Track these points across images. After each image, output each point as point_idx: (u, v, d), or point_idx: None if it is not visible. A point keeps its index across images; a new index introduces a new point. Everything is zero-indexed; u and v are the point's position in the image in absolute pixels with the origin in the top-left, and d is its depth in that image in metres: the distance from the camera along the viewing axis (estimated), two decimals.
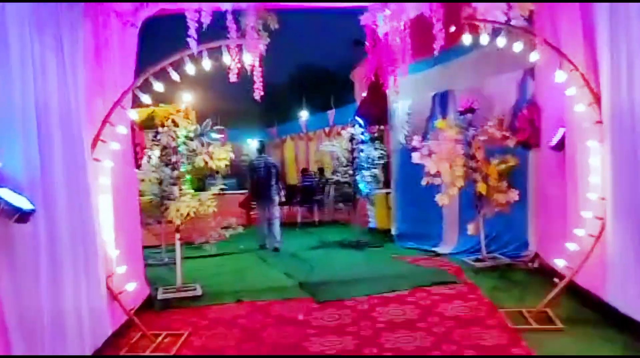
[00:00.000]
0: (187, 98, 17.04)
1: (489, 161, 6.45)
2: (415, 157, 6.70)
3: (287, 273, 7.12)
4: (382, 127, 13.49)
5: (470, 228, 6.69)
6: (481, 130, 6.48)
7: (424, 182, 6.84)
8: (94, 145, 4.45)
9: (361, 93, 11.29)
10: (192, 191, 6.63)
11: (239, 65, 4.98)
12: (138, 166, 5.54)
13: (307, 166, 24.97)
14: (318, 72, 34.81)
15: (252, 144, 30.64)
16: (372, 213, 11.21)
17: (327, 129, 24.03)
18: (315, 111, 28.87)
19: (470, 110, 6.62)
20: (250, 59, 4.98)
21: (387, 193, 10.73)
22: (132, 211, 5.45)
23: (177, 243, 6.30)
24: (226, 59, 4.89)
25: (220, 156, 6.28)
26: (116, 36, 4.89)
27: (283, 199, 11.25)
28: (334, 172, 9.84)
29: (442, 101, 8.18)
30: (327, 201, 11.93)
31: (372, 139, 10.24)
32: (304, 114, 29.27)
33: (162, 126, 6.40)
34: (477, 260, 6.89)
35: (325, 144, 9.84)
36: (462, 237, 7.86)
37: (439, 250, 8.13)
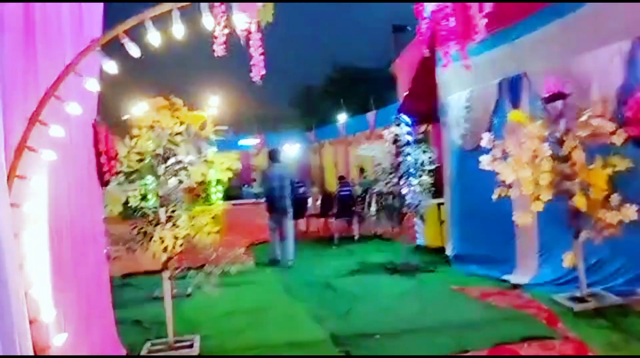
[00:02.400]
0: (214, 102, 15.78)
1: (588, 164, 4.68)
2: (485, 161, 4.98)
3: (317, 316, 5.50)
4: (428, 126, 11.77)
5: (567, 259, 4.92)
6: (580, 122, 4.69)
7: (495, 195, 5.13)
8: (17, 154, 2.97)
9: (405, 88, 9.59)
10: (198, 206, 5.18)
11: (226, 31, 3.42)
12: (106, 183, 4.04)
13: (347, 172, 23.37)
14: (356, 72, 33.17)
15: (288, 150, 29.44)
16: (421, 228, 9.49)
17: (367, 132, 22.47)
18: (355, 113, 27.32)
19: (560, 96, 4.86)
20: (243, 23, 3.41)
21: (439, 204, 9.01)
22: (92, 247, 3.92)
23: (167, 286, 4.78)
24: (207, 22, 3.34)
25: (223, 166, 4.73)
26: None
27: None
28: (375, 181, 8.18)
29: (512, 88, 6.41)
30: (368, 215, 10.29)
31: (418, 141, 8.54)
32: (342, 117, 27.79)
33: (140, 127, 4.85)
34: (574, 298, 5.10)
35: (364, 147, 8.20)
36: (545, 263, 6.08)
37: (512, 278, 6.34)
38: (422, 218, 8.08)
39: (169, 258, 4.60)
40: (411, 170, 8.04)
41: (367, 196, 9.93)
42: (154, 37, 3.27)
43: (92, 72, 3.58)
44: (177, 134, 4.62)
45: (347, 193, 11.79)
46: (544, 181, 4.78)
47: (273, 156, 9.02)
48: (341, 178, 14.47)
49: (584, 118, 4.70)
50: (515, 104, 6.32)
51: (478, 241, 7.21)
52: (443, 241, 8.74)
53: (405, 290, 6.47)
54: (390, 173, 8.01)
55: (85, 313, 3.57)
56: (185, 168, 4.68)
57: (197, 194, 7.33)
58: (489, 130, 6.75)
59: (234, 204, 23.59)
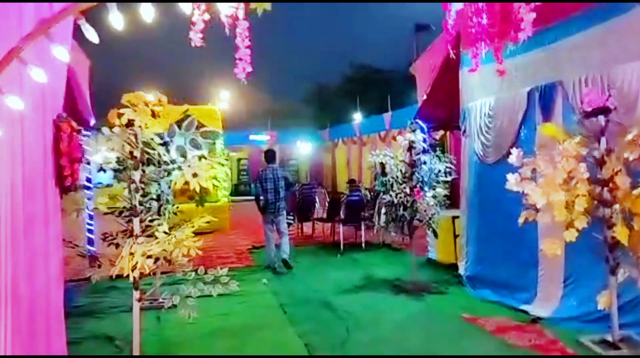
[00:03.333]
0: (225, 96, 15.18)
1: (633, 190, 4.01)
2: (513, 181, 4.32)
3: (310, 345, 4.89)
4: (445, 134, 11.10)
5: (602, 301, 4.27)
6: (624, 142, 4.02)
7: (521, 220, 4.48)
8: None
9: (423, 91, 8.93)
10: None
11: (206, 17, 2.83)
12: (67, 189, 3.47)
13: (360, 174, 22.72)
14: (373, 71, 32.55)
15: (301, 148, 28.86)
16: (433, 240, 8.84)
17: (382, 134, 21.83)
18: (370, 113, 26.72)
19: (602, 110, 4.18)
20: (227, 8, 2.81)
21: (454, 218, 8.35)
22: (43, 263, 3.34)
23: (135, 309, 4.19)
24: (185, 6, 2.75)
25: (209, 173, 4.11)
26: None
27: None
28: (386, 191, 7.53)
29: (544, 98, 5.73)
30: (377, 225, 9.65)
31: (433, 147, 7.90)
32: (357, 117, 27.16)
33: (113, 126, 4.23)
34: (604, 342, 4.44)
35: (376, 153, 7.56)
36: (570, 294, 5.40)
37: (531, 310, 5.67)
38: (434, 232, 7.43)
39: (142, 275, 4.01)
40: (425, 179, 7.42)
41: (377, 205, 9.31)
42: (115, 19, 2.68)
43: (45, 60, 2.99)
44: (157, 135, 4.02)
45: (357, 198, 11.16)
46: (580, 207, 4.12)
47: (268, 157, 8.92)
48: (351, 182, 13.88)
49: (629, 137, 4.03)
50: (547, 116, 5.65)
51: (495, 263, 6.55)
52: (456, 258, 8.08)
53: (412, 316, 5.83)
54: (403, 183, 7.37)
55: (28, 332, 2.99)
56: (168, 173, 4.10)
57: (191, 196, 6.79)
58: (515, 143, 6.12)
59: (242, 201, 23.25)
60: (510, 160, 4.36)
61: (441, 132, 9.90)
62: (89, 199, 8.15)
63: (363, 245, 10.63)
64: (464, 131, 7.45)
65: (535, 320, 5.42)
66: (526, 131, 6.01)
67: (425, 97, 8.49)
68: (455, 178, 7.65)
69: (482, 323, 5.41)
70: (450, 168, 7.52)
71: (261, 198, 8.64)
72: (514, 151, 4.36)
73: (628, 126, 4.12)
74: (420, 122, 7.98)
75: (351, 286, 7.30)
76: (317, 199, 14.11)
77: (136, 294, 4.09)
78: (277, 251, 8.64)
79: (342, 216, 11.04)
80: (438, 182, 7.38)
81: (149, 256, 3.87)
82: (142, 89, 4.24)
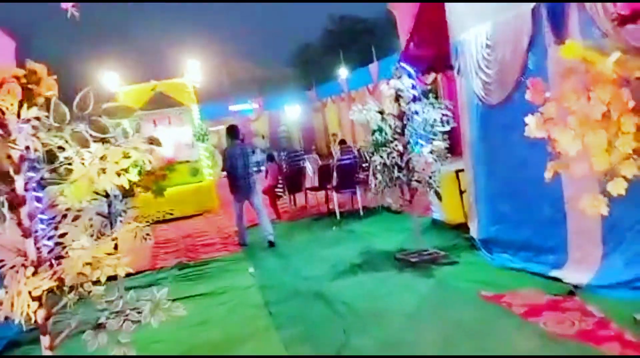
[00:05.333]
0: (194, 66, 13.92)
1: None
2: (534, 125, 3.20)
3: None
4: (437, 76, 9.91)
5: None
6: None
7: (548, 174, 3.40)
8: None
9: (406, 29, 7.71)
10: None
11: None
12: None
13: (354, 132, 21.51)
14: (354, 21, 30.84)
15: (289, 113, 27.58)
16: (436, 199, 7.80)
17: (370, 87, 20.59)
18: (356, 66, 25.35)
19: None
20: None
21: (457, 171, 7.30)
22: None
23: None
24: None
25: (115, 169, 2.98)
26: None
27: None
28: (376, 151, 6.44)
29: (553, 13, 4.56)
30: (372, 191, 8.62)
31: (425, 94, 6.77)
32: (343, 72, 25.79)
33: None
34: None
35: (356, 109, 6.41)
36: (613, 254, 4.35)
37: (565, 276, 4.65)
38: (437, 194, 6.37)
39: (49, 314, 2.95)
40: (421, 133, 6.33)
41: (370, 167, 8.23)
42: None
43: None
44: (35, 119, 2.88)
45: (349, 161, 10.09)
46: (627, 147, 3.04)
47: (232, 133, 8.48)
48: (342, 143, 12.78)
49: None
50: (560, 36, 4.48)
51: (513, 222, 5.50)
52: (465, 217, 7.07)
53: (421, 302, 4.80)
54: (393, 140, 6.27)
55: None
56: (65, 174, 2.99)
57: (147, 187, 5.74)
58: (522, 76, 4.99)
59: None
60: (529, 97, 3.23)
61: (433, 75, 8.73)
62: None
63: (361, 211, 9.61)
64: (458, 70, 6.29)
65: (572, 291, 4.40)
66: (535, 59, 4.85)
67: (408, 36, 7.29)
68: (454, 126, 6.55)
69: (507, 302, 4.38)
70: (446, 115, 6.41)
71: (228, 176, 8.26)
72: (535, 81, 3.23)
73: None
74: (406, 66, 6.84)
75: (348, 266, 6.29)
76: (307, 167, 13.09)
77: (45, 341, 3.04)
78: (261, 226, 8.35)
79: (334, 183, 10.01)
80: (435, 134, 6.29)
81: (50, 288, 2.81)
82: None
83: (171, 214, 8.06)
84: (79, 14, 2.62)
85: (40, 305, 2.77)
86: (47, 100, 2.90)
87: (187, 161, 13.89)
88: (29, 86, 2.86)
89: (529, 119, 3.20)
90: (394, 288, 5.28)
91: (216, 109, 26.16)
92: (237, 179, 8.08)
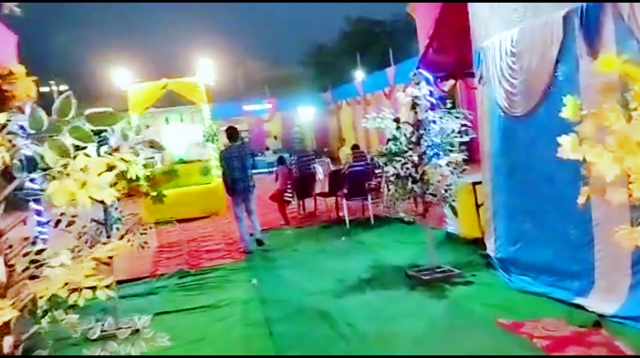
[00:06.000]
0: (207, 65, 13.65)
1: None
2: (568, 145, 2.85)
3: None
4: (454, 83, 9.56)
5: None
6: None
7: (581, 200, 3.05)
8: None
9: (426, 33, 7.37)
10: None
11: None
12: None
13: (368, 136, 21.11)
14: (371, 24, 30.45)
15: (303, 114, 27.28)
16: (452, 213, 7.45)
17: (387, 90, 20.23)
18: (373, 69, 24.98)
19: None
20: None
21: (474, 184, 6.95)
22: None
23: None
24: None
25: (104, 178, 2.68)
26: None
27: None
28: (390, 161, 6.10)
29: (587, 21, 4.21)
30: (385, 202, 8.27)
31: (442, 101, 6.41)
32: (359, 75, 25.45)
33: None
34: None
35: (371, 116, 6.07)
36: None
37: (589, 305, 4.30)
38: (453, 210, 6.03)
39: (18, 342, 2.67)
40: (437, 142, 5.98)
41: (383, 178, 7.89)
42: None
43: None
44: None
45: (361, 167, 9.76)
46: None
47: (231, 135, 8.41)
48: (355, 148, 12.42)
49: None
50: (594, 46, 4.15)
51: (535, 242, 5.15)
52: (481, 231, 6.72)
53: (432, 326, 4.47)
54: (408, 150, 5.93)
55: None
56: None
57: (145, 193, 5.45)
58: (550, 87, 4.65)
59: None
60: (566, 114, 2.89)
61: (451, 82, 8.37)
62: None
63: (372, 220, 9.28)
64: (480, 78, 5.94)
65: (598, 321, 4.04)
66: (565, 70, 4.50)
67: (428, 41, 6.96)
68: (474, 137, 6.20)
69: (528, 332, 4.02)
70: (466, 125, 6.06)
71: (227, 178, 8.18)
72: (570, 99, 2.88)
73: None
74: (424, 72, 6.51)
75: (356, 281, 5.98)
76: (318, 171, 12.79)
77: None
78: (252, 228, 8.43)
79: (345, 190, 9.69)
80: (452, 145, 5.94)
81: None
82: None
83: (171, 222, 7.81)
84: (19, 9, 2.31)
85: (8, 332, 2.49)
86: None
87: (199, 160, 13.72)
88: (4, 87, 2.58)
89: (563, 139, 2.84)
90: (403, 310, 4.94)
91: (230, 108, 25.99)
92: (235, 182, 8.04)
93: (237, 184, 8.07)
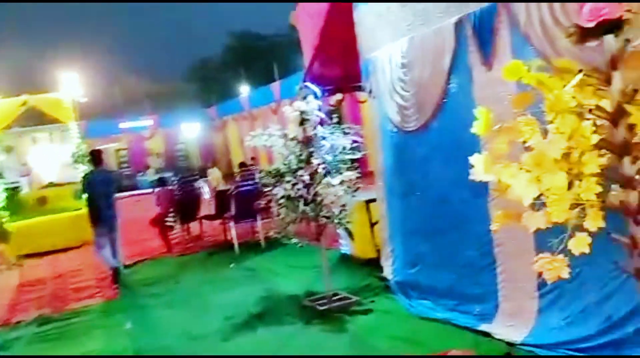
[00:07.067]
0: (71, 80, 12.31)
1: None
2: (480, 166, 2.48)
3: None
4: (342, 96, 9.26)
5: None
6: None
7: (494, 227, 2.69)
8: None
9: (310, 45, 6.97)
10: None
11: None
12: None
13: (256, 154, 20.47)
14: (255, 38, 29.99)
15: (187, 131, 26.11)
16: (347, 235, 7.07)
17: (273, 106, 19.85)
18: (258, 84, 24.54)
19: (616, 25, 2.45)
20: None
21: (368, 202, 6.64)
22: None
23: None
24: None
25: None
26: None
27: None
28: (278, 181, 5.58)
29: (480, 29, 3.97)
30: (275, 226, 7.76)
31: (330, 115, 6.00)
32: (244, 90, 24.90)
33: None
34: None
35: (256, 134, 5.52)
36: (551, 308, 3.77)
37: (496, 331, 4.04)
38: (348, 232, 5.64)
39: None
40: (329, 159, 5.55)
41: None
42: None
43: None
44: None
45: (250, 187, 9.13)
46: (589, 194, 2.40)
47: (95, 159, 7.91)
48: (242, 166, 11.79)
49: None
50: (487, 56, 3.93)
51: (434, 264, 4.86)
52: (376, 251, 6.41)
53: None
54: (297, 169, 5.44)
55: None
56: None
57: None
58: (444, 99, 4.38)
59: (129, 196, 20.39)
60: (476, 130, 2.51)
61: (338, 96, 8.05)
62: None
63: (262, 243, 8.71)
64: (370, 91, 5.63)
65: (509, 353, 3.77)
66: (459, 82, 4.26)
67: (313, 52, 6.56)
68: (366, 152, 5.87)
69: None
70: (357, 141, 5.70)
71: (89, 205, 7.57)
72: (479, 110, 2.51)
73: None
74: (311, 86, 6.08)
75: (246, 316, 5.37)
76: (204, 191, 12.00)
77: None
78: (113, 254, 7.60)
79: (233, 211, 9.02)
80: (345, 162, 5.54)
81: None
82: None
83: (21, 265, 6.78)
84: None
85: None
86: None
87: (71, 183, 12.47)
88: None
89: (475, 159, 2.47)
90: (300, 349, 4.40)
91: (107, 126, 24.38)
92: (100, 210, 7.36)
93: (101, 212, 7.37)
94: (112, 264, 7.49)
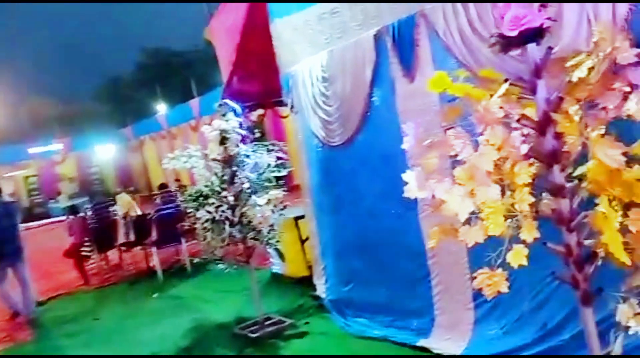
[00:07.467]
0: None
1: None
2: (414, 183, 2.36)
3: None
4: (263, 112, 9.08)
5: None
6: (574, 82, 2.26)
7: (431, 244, 2.59)
8: None
9: (228, 61, 6.74)
10: None
11: None
12: None
13: (178, 172, 19.79)
14: (171, 55, 29.18)
15: (101, 153, 24.92)
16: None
17: (193, 123, 19.29)
18: (176, 101, 23.83)
19: (536, 33, 2.42)
20: None
21: (296, 219, 6.48)
22: None
23: None
24: None
25: None
26: None
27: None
28: (201, 205, 5.28)
29: (400, 41, 3.92)
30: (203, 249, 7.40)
31: (251, 131, 5.79)
32: (161, 108, 24.11)
33: None
34: None
35: (174, 155, 5.22)
36: (487, 319, 3.75)
37: (434, 346, 3.97)
38: (279, 253, 5.43)
39: None
40: (253, 177, 5.33)
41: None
42: None
43: None
44: None
45: (171, 210, 8.70)
46: (523, 205, 2.35)
47: None
48: (162, 187, 11.29)
49: (582, 72, 2.32)
50: (409, 68, 3.88)
51: (368, 280, 4.75)
52: (308, 268, 6.25)
53: None
54: (221, 191, 5.18)
55: None
56: None
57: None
58: (367, 112, 4.31)
59: (40, 225, 19.05)
60: (407, 146, 2.40)
61: (259, 111, 7.86)
62: None
63: (188, 267, 8.31)
64: (292, 106, 5.48)
65: None
66: (381, 94, 4.19)
67: (231, 68, 6.34)
68: (291, 169, 5.70)
69: None
70: (281, 158, 5.52)
71: None
72: (409, 126, 2.40)
73: (576, 55, 2.41)
74: (230, 102, 5.84)
75: (174, 351, 5.06)
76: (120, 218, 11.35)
77: None
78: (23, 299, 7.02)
79: (154, 236, 8.55)
80: (270, 180, 5.34)
81: None
82: None
83: None
84: None
85: None
86: None
87: None
88: None
89: (408, 175, 2.36)
90: None
91: (12, 152, 22.78)
92: (0, 244, 6.76)
93: (1, 247, 6.77)
94: (12, 305, 7.01)
